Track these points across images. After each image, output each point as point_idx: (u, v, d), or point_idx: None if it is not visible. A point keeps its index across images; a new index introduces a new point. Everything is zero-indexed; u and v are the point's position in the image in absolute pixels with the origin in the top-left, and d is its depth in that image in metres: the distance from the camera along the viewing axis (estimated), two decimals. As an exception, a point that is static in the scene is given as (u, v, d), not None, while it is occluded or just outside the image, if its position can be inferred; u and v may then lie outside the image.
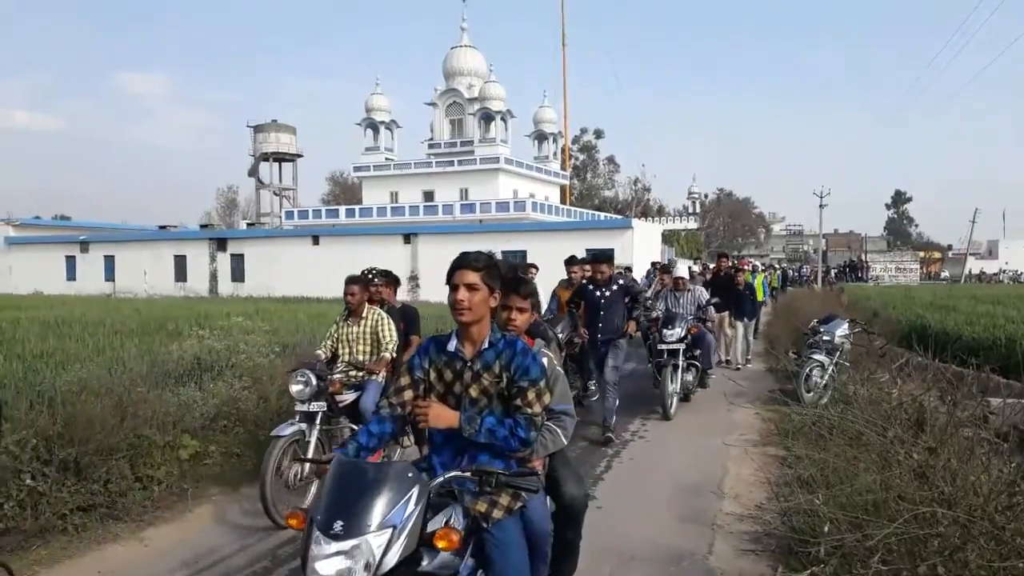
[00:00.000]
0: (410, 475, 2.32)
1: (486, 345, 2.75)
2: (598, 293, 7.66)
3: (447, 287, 2.75)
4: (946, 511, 3.15)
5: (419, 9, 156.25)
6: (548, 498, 3.21)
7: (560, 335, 7.81)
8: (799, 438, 6.36)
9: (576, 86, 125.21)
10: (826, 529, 3.81)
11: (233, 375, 7.34)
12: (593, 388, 8.98)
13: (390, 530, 2.18)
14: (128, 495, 5.10)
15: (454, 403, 2.74)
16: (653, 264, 18.75)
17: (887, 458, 4.04)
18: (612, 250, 27.74)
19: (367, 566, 2.12)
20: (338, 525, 2.15)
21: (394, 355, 5.87)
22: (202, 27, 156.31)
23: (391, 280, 6.49)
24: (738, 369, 12.37)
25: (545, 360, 3.01)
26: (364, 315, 5.95)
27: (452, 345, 2.79)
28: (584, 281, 8.13)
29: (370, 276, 6.23)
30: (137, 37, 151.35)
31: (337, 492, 2.27)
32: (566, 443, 3.17)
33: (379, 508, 2.19)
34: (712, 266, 19.43)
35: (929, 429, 4.79)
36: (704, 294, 9.59)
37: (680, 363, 8.61)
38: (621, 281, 7.85)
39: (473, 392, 2.72)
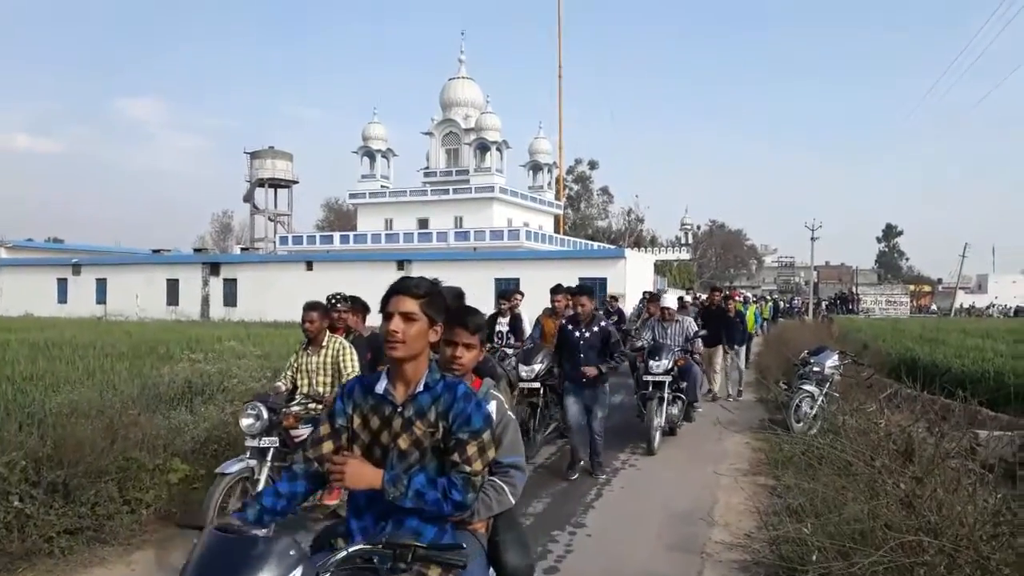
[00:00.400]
0: (292, 553, 1.92)
1: (421, 387, 2.33)
2: (577, 334, 7.19)
3: (381, 315, 2.40)
4: (932, 540, 3.18)
5: (418, 40, 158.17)
6: (491, 569, 2.68)
7: (539, 365, 7.71)
8: (788, 468, 6.39)
9: (571, 118, 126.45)
10: (814, 558, 3.82)
11: (224, 399, 7.33)
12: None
13: None
14: (116, 518, 5.06)
15: (381, 456, 2.31)
16: (644, 293, 18.94)
17: (875, 488, 4.07)
18: (596, 283, 27.91)
19: None
20: None
21: None
22: (200, 54, 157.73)
23: (358, 306, 6.15)
24: (735, 398, 12.39)
25: (493, 405, 2.68)
26: (324, 344, 5.53)
27: (381, 386, 2.36)
28: (564, 321, 7.63)
29: (333, 301, 5.91)
30: (136, 64, 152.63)
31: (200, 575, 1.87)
32: (514, 502, 2.67)
33: None
34: (704, 297, 19.57)
35: (917, 460, 4.83)
36: (692, 325, 9.43)
37: (666, 395, 8.36)
38: (603, 323, 7.38)
39: (403, 444, 2.30)
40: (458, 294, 3.01)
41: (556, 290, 8.69)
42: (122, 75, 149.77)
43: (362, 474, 2.20)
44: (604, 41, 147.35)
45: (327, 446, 2.35)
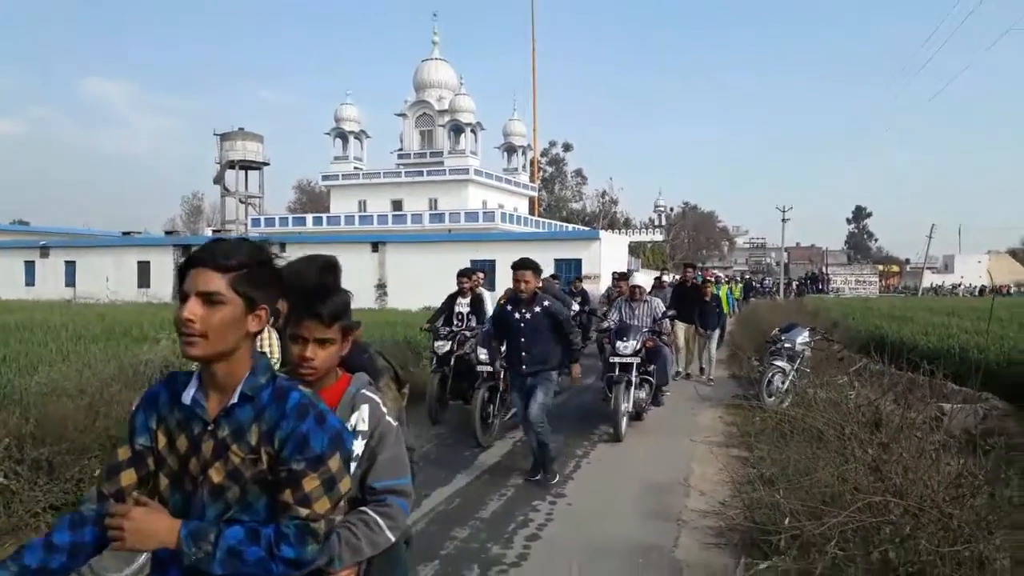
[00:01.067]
0: None
1: (236, 397, 1.65)
2: (517, 315, 6.34)
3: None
4: (898, 501, 3.34)
5: (391, 21, 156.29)
6: None
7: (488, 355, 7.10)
8: (761, 439, 6.57)
9: (545, 100, 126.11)
10: (787, 522, 3.98)
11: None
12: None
13: None
14: (100, 495, 5.09)
15: (192, 490, 1.65)
16: (614, 274, 19.15)
17: (844, 454, 4.24)
18: (572, 264, 28.04)
19: None
20: None
21: None
22: (169, 34, 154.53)
23: None
24: (710, 382, 12.03)
25: (365, 410, 2.03)
26: None
27: (189, 394, 1.67)
28: (503, 301, 7.00)
29: None
30: (102, 43, 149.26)
31: None
32: (392, 539, 1.99)
33: None
34: (678, 277, 19.76)
35: (884, 429, 5.02)
36: (661, 306, 8.94)
37: (633, 379, 7.92)
38: (546, 303, 6.43)
39: (215, 476, 1.63)
40: (326, 265, 2.09)
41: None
42: (86, 54, 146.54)
43: (149, 529, 1.55)
44: (578, 23, 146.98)
45: (127, 477, 1.66)
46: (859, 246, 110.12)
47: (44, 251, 38.36)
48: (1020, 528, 3.20)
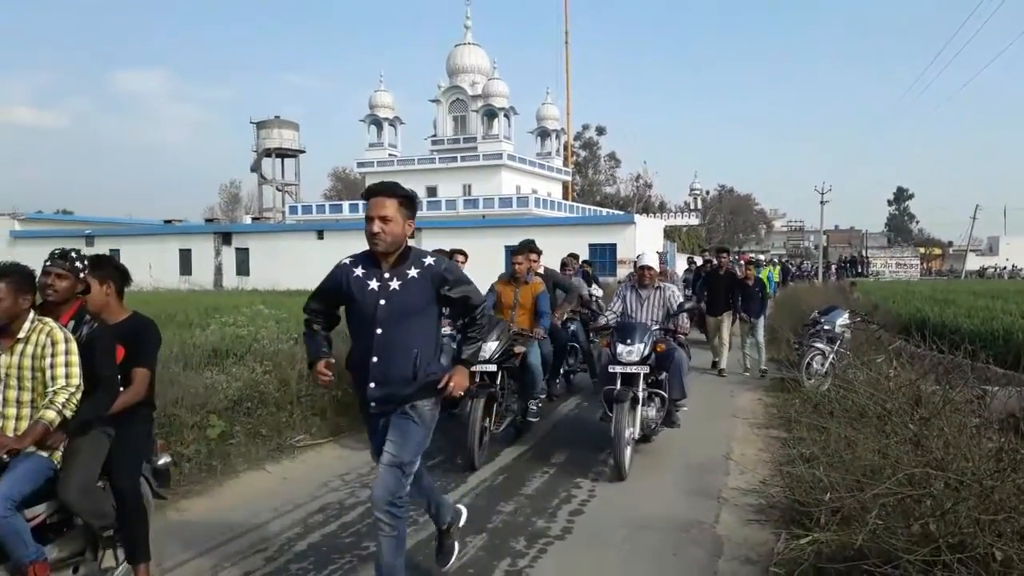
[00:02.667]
0: None
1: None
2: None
3: None
4: (939, 473, 3.41)
5: (424, 6, 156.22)
6: None
7: (494, 343, 6.27)
8: (801, 420, 6.61)
9: (579, 83, 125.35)
10: (827, 496, 4.06)
11: (254, 360, 7.58)
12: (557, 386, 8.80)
13: None
14: (162, 470, 5.34)
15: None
16: (638, 257, 17.74)
17: (884, 430, 4.29)
18: (607, 248, 28.00)
19: None
20: None
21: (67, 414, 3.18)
22: (204, 24, 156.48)
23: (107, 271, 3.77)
24: (763, 374, 10.77)
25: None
26: (23, 333, 3.29)
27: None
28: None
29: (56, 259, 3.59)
30: (138, 34, 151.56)
31: None
32: None
33: None
34: (711, 262, 19.15)
35: (925, 407, 5.05)
36: (676, 294, 6.88)
37: (640, 394, 5.94)
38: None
39: None
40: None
41: (519, 249, 7.05)
42: (122, 46, 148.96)
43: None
44: (611, 2, 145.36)
45: None
46: (900, 228, 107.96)
47: (89, 240, 39.40)
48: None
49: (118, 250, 38.50)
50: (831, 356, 8.98)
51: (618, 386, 5.86)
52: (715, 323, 11.33)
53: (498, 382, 6.33)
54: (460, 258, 7.90)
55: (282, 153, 61.69)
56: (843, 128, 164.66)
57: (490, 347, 6.17)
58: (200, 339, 8.29)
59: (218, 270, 36.43)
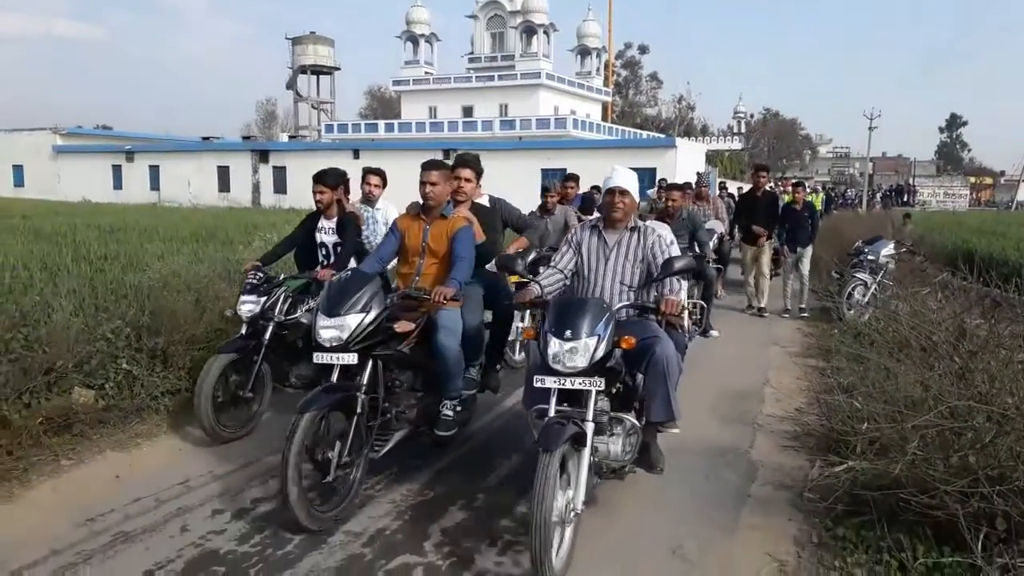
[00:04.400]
0: None
1: None
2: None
3: None
4: (983, 407, 3.38)
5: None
6: None
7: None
8: (840, 350, 6.58)
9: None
10: (864, 426, 4.07)
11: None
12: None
13: None
14: (208, 382, 5.51)
15: None
16: (660, 181, 15.17)
17: (928, 362, 4.25)
18: (646, 173, 27.45)
19: None
20: None
21: None
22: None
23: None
24: (803, 313, 9.88)
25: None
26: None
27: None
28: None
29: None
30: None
31: None
32: None
33: None
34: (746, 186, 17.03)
35: (969, 341, 4.97)
36: (666, 239, 4.40)
37: (588, 429, 3.32)
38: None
39: None
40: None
41: (431, 165, 4.50)
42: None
43: None
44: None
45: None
46: (950, 157, 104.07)
47: (129, 156, 39.81)
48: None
49: (158, 166, 38.95)
50: (873, 287, 8.84)
51: (551, 410, 3.39)
52: (752, 255, 10.04)
53: (365, 379, 3.87)
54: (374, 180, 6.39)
55: (317, 70, 61.02)
56: (897, 52, 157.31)
57: (348, 322, 3.77)
58: (245, 254, 8.42)
59: (255, 188, 36.66)
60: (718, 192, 19.50)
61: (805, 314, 9.80)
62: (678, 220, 7.76)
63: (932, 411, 3.41)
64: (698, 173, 9.26)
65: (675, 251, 4.38)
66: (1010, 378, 3.79)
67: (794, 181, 12.71)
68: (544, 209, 7.79)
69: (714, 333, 8.52)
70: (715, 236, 9.35)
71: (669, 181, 11.61)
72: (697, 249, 7.72)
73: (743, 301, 10.46)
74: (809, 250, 10.11)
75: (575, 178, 9.47)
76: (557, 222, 7.66)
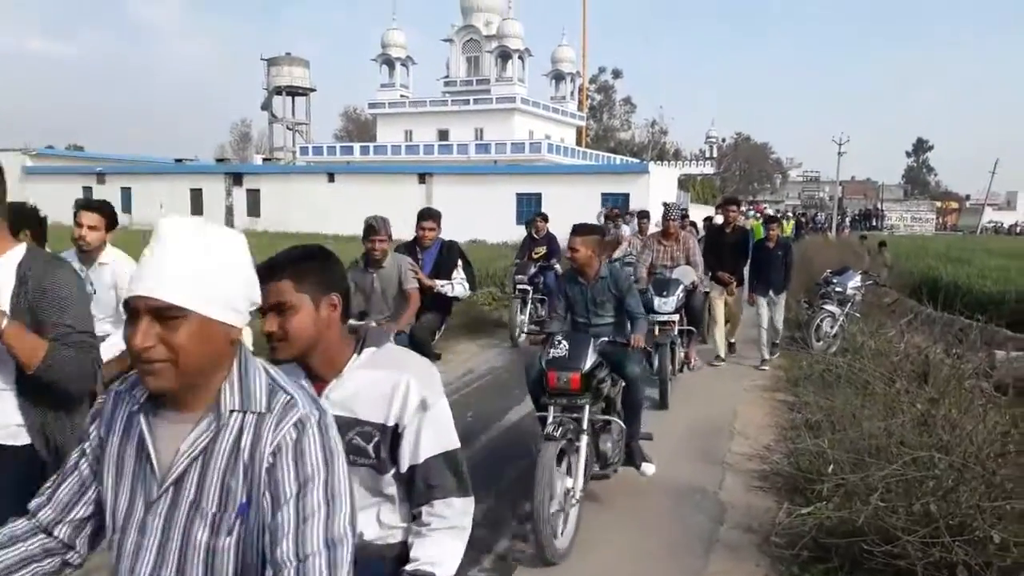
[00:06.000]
0: None
1: None
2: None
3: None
4: (943, 456, 3.44)
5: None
6: None
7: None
8: (808, 385, 6.65)
9: (596, 23, 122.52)
10: (830, 469, 4.11)
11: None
12: None
13: None
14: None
15: None
16: (633, 212, 14.94)
17: (891, 407, 4.32)
18: (619, 198, 27.73)
19: None
20: None
21: None
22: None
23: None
24: (759, 365, 8.52)
25: None
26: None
27: None
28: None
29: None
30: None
31: None
32: None
33: None
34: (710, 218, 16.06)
35: (932, 381, 5.07)
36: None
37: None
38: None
39: None
40: None
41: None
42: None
43: None
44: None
45: None
46: (917, 181, 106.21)
47: (101, 177, 39.36)
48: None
49: (130, 188, 38.51)
50: (841, 318, 8.96)
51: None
52: (716, 297, 8.48)
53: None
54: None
55: (293, 91, 60.93)
56: (865, 77, 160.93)
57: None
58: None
59: (229, 211, 36.38)
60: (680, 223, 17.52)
61: (775, 356, 8.71)
62: (594, 281, 4.69)
63: (896, 460, 3.46)
64: (665, 204, 7.96)
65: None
66: (971, 423, 3.87)
67: (768, 214, 12.38)
68: (370, 260, 5.06)
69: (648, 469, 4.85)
70: (680, 289, 7.23)
71: (641, 208, 11.79)
72: (630, 328, 4.67)
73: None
74: (783, 298, 8.72)
75: (544, 217, 10.67)
76: (387, 277, 5.09)
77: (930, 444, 3.57)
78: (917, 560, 3.17)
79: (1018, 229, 62.38)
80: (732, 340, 9.36)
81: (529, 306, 9.66)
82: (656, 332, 6.72)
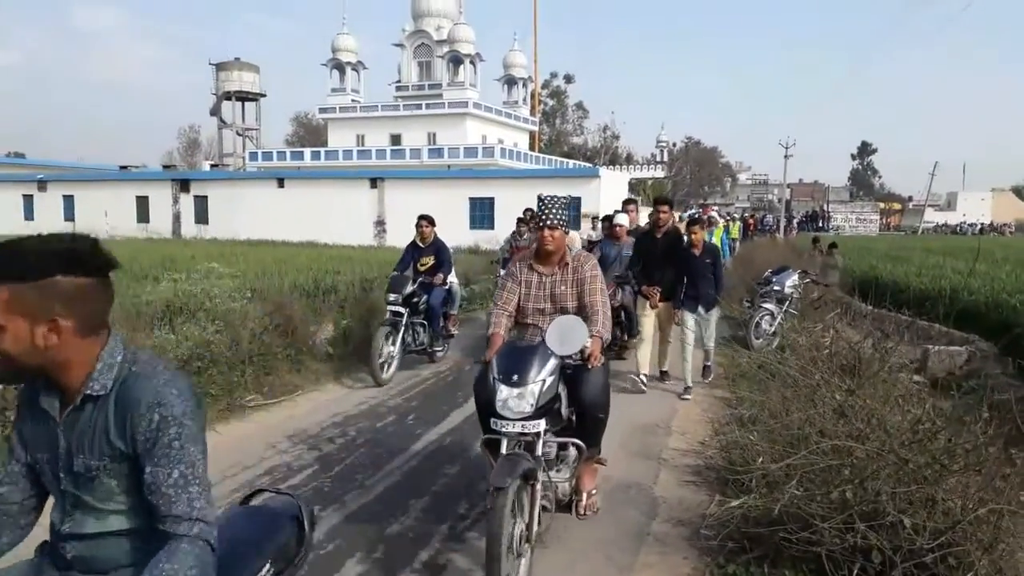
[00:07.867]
0: None
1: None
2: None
3: None
4: (859, 445, 3.55)
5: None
6: None
7: None
8: (744, 381, 6.79)
9: (547, 29, 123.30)
10: (759, 461, 4.22)
11: (206, 318, 7.50)
12: None
13: None
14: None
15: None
16: (603, 218, 12.44)
17: (814, 399, 4.45)
18: (572, 202, 27.98)
19: None
20: None
21: None
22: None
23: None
24: (686, 396, 7.22)
25: None
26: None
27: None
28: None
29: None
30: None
31: None
32: None
33: None
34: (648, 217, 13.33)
35: (861, 374, 5.22)
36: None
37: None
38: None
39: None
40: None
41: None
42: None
43: None
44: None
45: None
46: (862, 183, 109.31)
47: (42, 185, 38.25)
48: (971, 471, 3.40)
49: (72, 196, 37.50)
50: (779, 317, 9.18)
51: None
52: (659, 315, 7.50)
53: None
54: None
55: (242, 96, 59.99)
56: (811, 82, 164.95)
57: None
58: (152, 295, 8.18)
59: (176, 218, 35.67)
60: (593, 226, 16.12)
61: (709, 377, 7.94)
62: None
63: (815, 452, 3.56)
64: (540, 197, 4.21)
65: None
66: (887, 413, 4.00)
67: (691, 216, 11.31)
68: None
69: None
70: (546, 374, 4.98)
71: (590, 211, 11.67)
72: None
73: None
74: (715, 314, 7.74)
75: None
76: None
77: (846, 433, 3.68)
78: (835, 546, 3.26)
79: (1011, 229, 63.77)
80: (664, 369, 7.97)
81: (402, 332, 7.71)
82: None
